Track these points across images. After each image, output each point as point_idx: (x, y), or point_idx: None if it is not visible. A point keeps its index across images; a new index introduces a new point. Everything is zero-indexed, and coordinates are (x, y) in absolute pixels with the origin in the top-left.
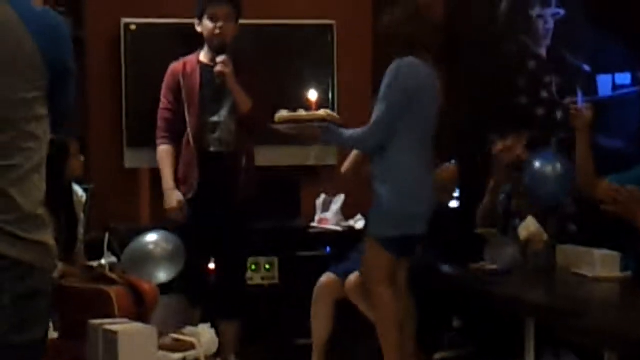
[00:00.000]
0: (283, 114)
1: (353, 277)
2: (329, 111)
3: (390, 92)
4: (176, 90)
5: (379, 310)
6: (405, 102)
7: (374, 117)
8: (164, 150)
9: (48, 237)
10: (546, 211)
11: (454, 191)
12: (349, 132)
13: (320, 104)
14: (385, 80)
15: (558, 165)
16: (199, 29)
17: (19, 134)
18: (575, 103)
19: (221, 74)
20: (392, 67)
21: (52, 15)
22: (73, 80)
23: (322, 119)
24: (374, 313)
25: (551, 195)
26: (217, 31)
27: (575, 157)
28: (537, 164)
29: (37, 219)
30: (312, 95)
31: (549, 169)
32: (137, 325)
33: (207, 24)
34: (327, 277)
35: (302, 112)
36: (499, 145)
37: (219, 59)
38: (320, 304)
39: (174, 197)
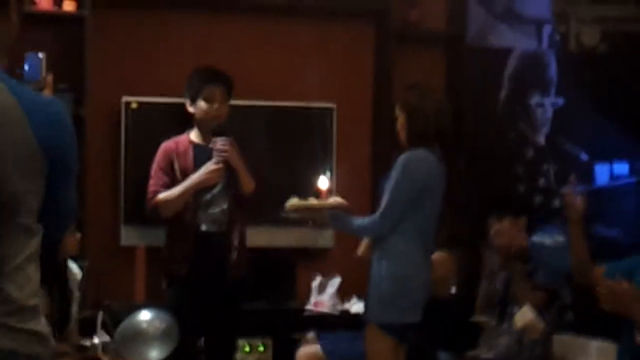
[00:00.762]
0: (294, 201)
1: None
2: (338, 199)
3: (399, 185)
4: (169, 169)
5: None
6: (413, 195)
7: (382, 206)
8: (164, 193)
9: (43, 325)
10: (544, 299)
11: (451, 285)
12: (357, 221)
13: (330, 192)
14: (395, 172)
15: (560, 238)
16: (191, 109)
17: (13, 227)
18: (569, 193)
19: (223, 152)
20: (402, 159)
21: (58, 106)
22: (74, 180)
23: (332, 208)
24: None
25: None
26: (214, 112)
27: (570, 246)
28: (539, 238)
29: (32, 310)
30: (323, 183)
31: (549, 241)
32: None
33: (202, 105)
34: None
35: (312, 200)
36: (495, 227)
37: (220, 140)
38: None
39: (203, 170)
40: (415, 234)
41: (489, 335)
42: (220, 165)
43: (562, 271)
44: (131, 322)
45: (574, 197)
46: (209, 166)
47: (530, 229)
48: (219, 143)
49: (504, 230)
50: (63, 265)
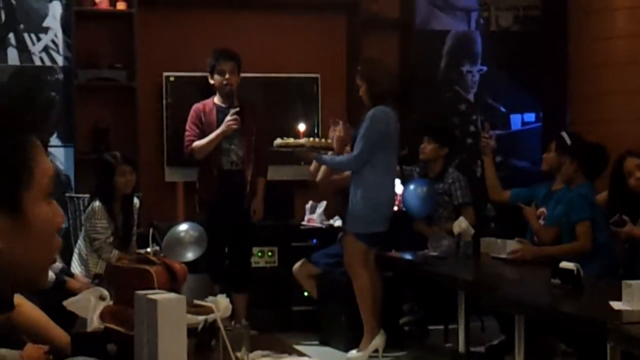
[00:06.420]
0: (278, 141)
1: (298, 264)
2: (311, 139)
3: (369, 133)
4: (198, 123)
5: (358, 285)
6: (379, 140)
7: (356, 149)
8: (199, 141)
9: None
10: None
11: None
12: (337, 159)
13: (305, 134)
14: (366, 123)
15: (424, 188)
16: (211, 81)
17: None
18: (486, 136)
19: (231, 122)
20: (370, 113)
21: None
22: None
23: (302, 145)
24: (355, 287)
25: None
26: (225, 82)
27: (485, 176)
28: (410, 186)
29: None
30: (301, 127)
31: (418, 190)
32: (172, 295)
33: (217, 77)
34: (301, 263)
35: (290, 140)
36: (422, 145)
37: (230, 115)
38: (303, 280)
39: (223, 125)
40: (382, 167)
41: (434, 239)
42: (232, 123)
43: (423, 208)
44: (173, 230)
45: (489, 139)
46: (226, 122)
47: (455, 159)
48: (229, 117)
49: (427, 150)
50: (129, 199)
